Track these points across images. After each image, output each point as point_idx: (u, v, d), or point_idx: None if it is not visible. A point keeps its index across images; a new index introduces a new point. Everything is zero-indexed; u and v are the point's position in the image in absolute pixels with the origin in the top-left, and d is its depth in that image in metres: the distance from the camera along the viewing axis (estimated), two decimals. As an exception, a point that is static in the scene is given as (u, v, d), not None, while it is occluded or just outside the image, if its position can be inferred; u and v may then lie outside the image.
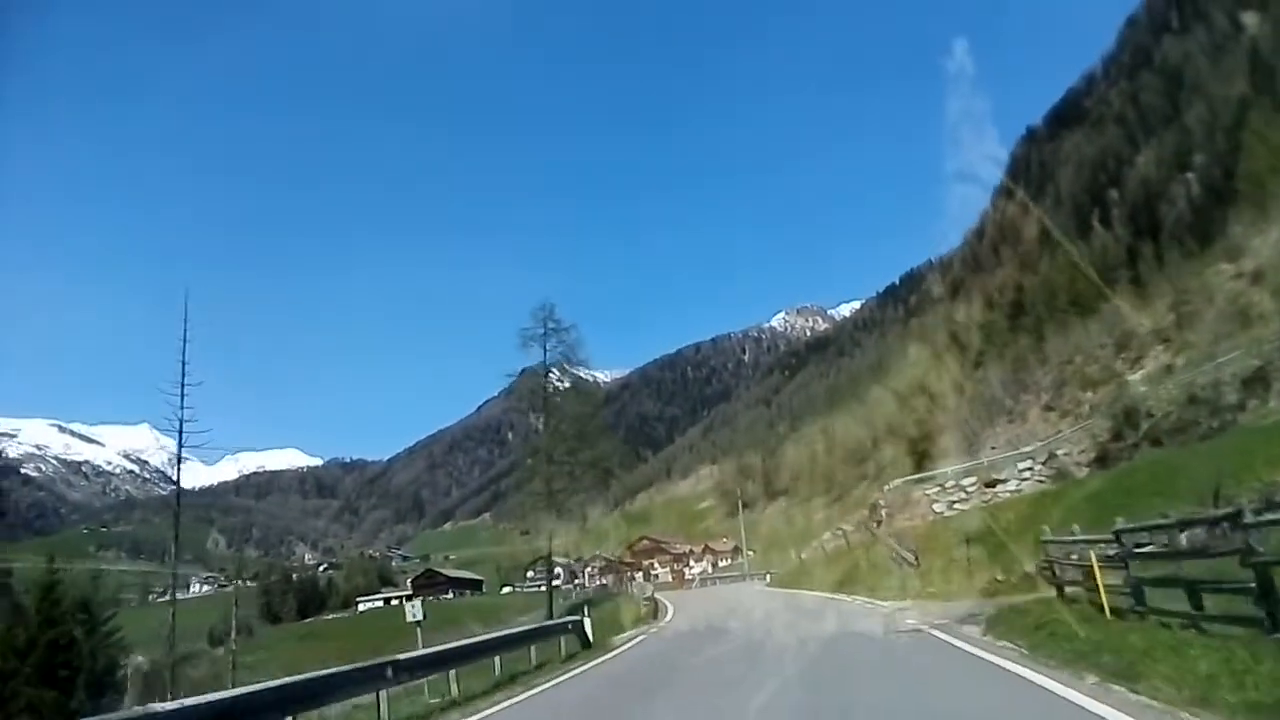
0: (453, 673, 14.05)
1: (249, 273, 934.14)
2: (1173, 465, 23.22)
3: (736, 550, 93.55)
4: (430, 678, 13.96)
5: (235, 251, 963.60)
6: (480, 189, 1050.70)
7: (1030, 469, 30.41)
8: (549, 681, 14.53)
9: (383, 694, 10.85)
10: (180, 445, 33.62)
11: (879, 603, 22.98)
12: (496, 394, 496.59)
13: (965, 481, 28.83)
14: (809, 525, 68.08)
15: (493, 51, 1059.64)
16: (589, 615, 22.07)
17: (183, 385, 30.54)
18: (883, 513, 33.17)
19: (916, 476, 33.51)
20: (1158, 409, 29.80)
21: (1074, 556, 12.87)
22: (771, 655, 13.34)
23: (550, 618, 34.93)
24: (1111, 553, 10.71)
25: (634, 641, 21.83)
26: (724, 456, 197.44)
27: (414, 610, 18.98)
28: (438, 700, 13.43)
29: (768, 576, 60.28)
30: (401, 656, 12.18)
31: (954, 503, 28.97)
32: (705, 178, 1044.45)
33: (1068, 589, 13.15)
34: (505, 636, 17.10)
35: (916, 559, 23.48)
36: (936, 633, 13.67)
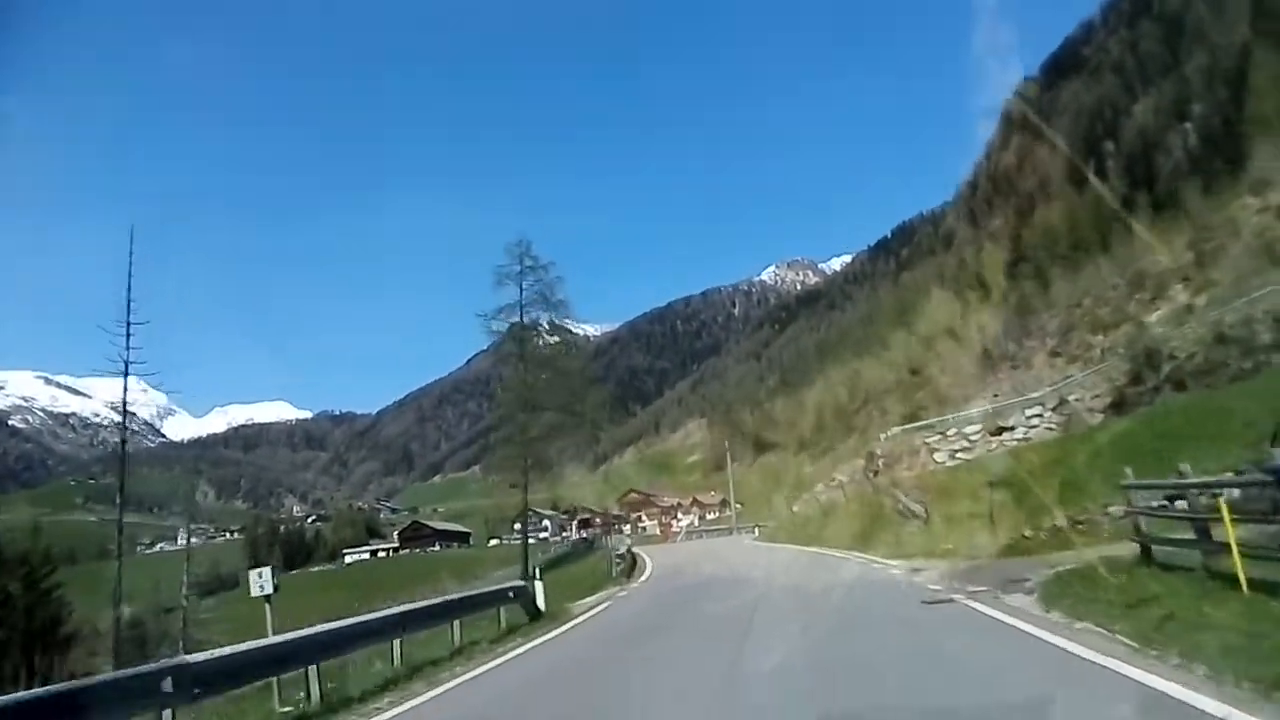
0: (313, 670, 9.62)
1: (238, 222, 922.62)
2: (1212, 407, 20.78)
3: (724, 504, 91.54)
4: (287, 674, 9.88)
5: (223, 198, 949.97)
6: (470, 136, 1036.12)
7: (1039, 415, 28.07)
8: (456, 679, 10.20)
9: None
10: (125, 387, 31.34)
11: (887, 562, 20.06)
12: (486, 347, 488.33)
13: (969, 429, 26.43)
14: (799, 479, 65.86)
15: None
16: (540, 578, 18.47)
17: (128, 324, 28.54)
18: (880, 462, 30.40)
19: (916, 425, 30.96)
20: (1181, 350, 27.41)
21: (1179, 505, 9.94)
22: (759, 641, 10.12)
23: (526, 575, 32.90)
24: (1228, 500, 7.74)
25: (596, 610, 18.31)
26: (713, 410, 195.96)
27: (261, 581, 13.23)
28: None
29: (756, 530, 57.89)
30: (218, 653, 8.50)
31: (956, 451, 26.54)
32: (695, 129, 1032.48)
33: (1155, 548, 10.16)
34: (419, 610, 12.96)
35: (926, 511, 20.78)
36: (976, 605, 10.69)
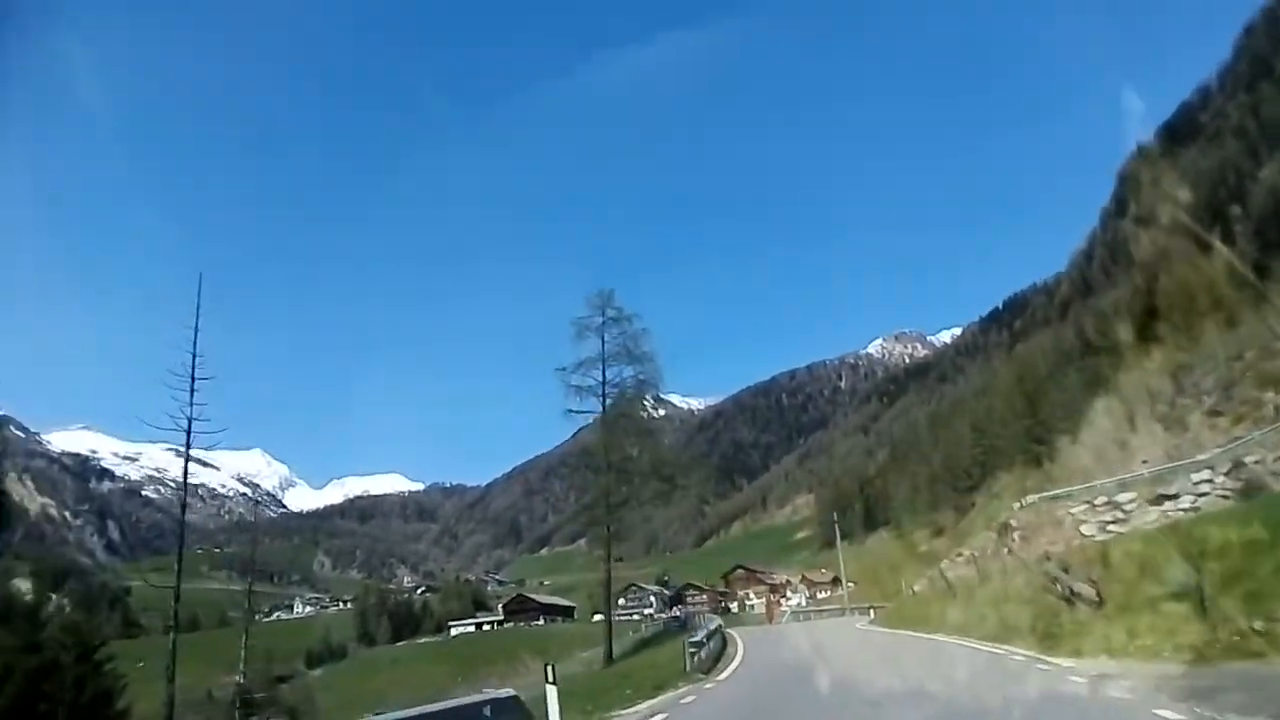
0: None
1: (358, 306, 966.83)
2: None
3: (835, 581, 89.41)
4: None
5: (340, 285, 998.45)
6: (573, 213, 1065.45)
7: (1209, 481, 25.58)
8: None
9: None
10: (189, 444, 29.53)
11: (1054, 660, 15.19)
12: (591, 420, 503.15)
13: (1122, 497, 24.12)
14: (916, 555, 64.16)
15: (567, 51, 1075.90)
16: (554, 681, 13.66)
17: (193, 379, 27.19)
18: (1015, 535, 27.34)
19: (1056, 492, 28.63)
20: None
21: None
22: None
23: (609, 658, 32.54)
24: None
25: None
26: (820, 485, 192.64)
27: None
28: None
29: (871, 613, 52.82)
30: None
31: (1108, 523, 23.79)
32: (797, 202, 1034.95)
33: None
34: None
35: (1100, 594, 16.25)
36: None
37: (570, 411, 34.30)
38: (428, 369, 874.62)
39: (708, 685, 18.46)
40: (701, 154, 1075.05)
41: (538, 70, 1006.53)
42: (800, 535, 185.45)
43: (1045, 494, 28.79)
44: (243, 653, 33.24)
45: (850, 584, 74.79)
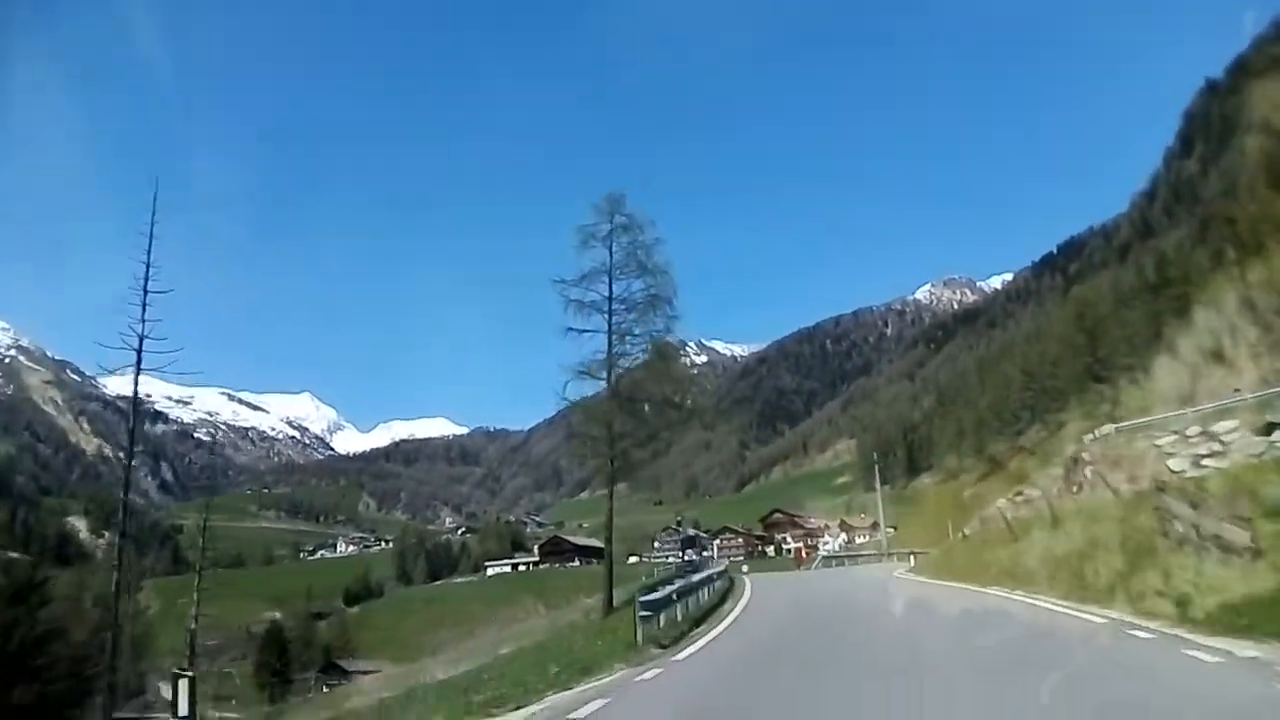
0: None
1: (409, 249, 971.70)
2: None
3: (875, 527, 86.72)
4: None
5: (384, 229, 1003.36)
6: (618, 152, 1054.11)
7: None
8: None
9: None
10: (139, 363, 25.80)
11: (1186, 635, 9.94)
12: (633, 367, 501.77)
13: (1220, 426, 19.47)
14: (957, 502, 60.99)
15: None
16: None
17: (145, 293, 25.24)
18: (1087, 471, 22.35)
19: (1137, 421, 23.53)
20: None
21: None
22: None
23: (609, 606, 27.00)
24: None
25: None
26: (863, 431, 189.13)
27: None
28: None
29: (912, 558, 45.47)
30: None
31: (1202, 457, 19.25)
32: (845, 144, 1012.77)
33: None
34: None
35: (1255, 540, 10.92)
36: None
37: (571, 330, 29.59)
38: (474, 314, 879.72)
39: (647, 675, 11.26)
40: (750, 93, 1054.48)
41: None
42: (840, 480, 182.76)
43: (1124, 424, 23.96)
44: (195, 595, 31.21)
45: (889, 529, 71.95)
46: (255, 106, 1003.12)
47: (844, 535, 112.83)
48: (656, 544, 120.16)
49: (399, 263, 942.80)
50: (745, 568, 59.31)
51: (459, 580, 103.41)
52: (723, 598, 25.54)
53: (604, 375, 29.61)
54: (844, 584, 33.92)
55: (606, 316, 29.27)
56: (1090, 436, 25.25)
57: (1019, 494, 29.31)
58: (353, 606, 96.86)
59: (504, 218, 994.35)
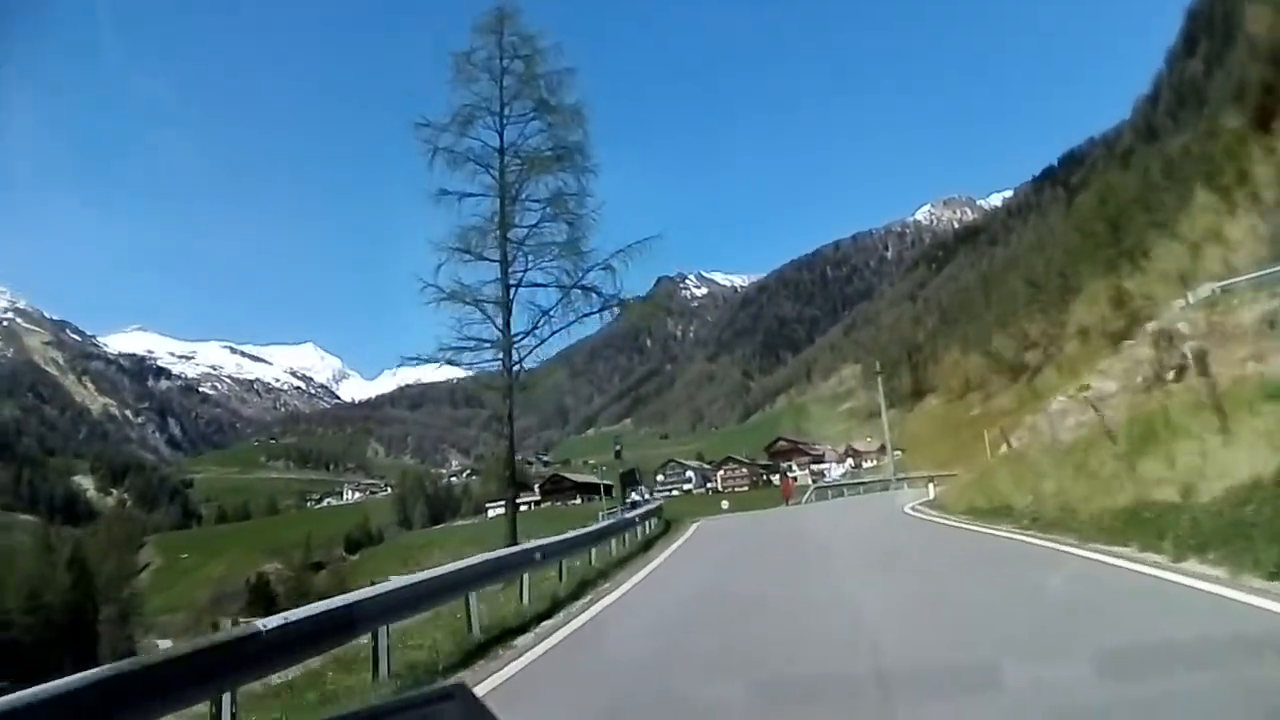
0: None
1: (405, 210, 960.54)
2: None
3: (883, 450, 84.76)
4: None
5: (359, 182, 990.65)
6: (614, 77, 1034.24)
7: None
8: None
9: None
10: None
11: None
12: (634, 301, 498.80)
13: None
14: (967, 420, 59.04)
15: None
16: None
17: None
18: (1186, 350, 15.51)
19: (1251, 277, 17.48)
20: None
21: None
22: None
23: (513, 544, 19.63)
24: None
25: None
26: (866, 355, 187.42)
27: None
28: None
29: (930, 486, 34.40)
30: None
31: None
32: (836, 63, 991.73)
33: None
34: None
35: None
36: None
37: (445, 194, 20.62)
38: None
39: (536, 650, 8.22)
40: (742, 21, 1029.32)
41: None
42: (846, 406, 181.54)
43: (1232, 281, 18.23)
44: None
45: (897, 451, 69.76)
46: (245, 55, 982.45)
47: (850, 461, 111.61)
48: (661, 478, 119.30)
49: (393, 205, 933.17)
50: (725, 504, 52.27)
51: (459, 523, 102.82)
52: (649, 546, 20.65)
53: (494, 254, 20.86)
54: (845, 526, 23.09)
55: (495, 172, 20.80)
56: (1183, 302, 19.66)
57: (1084, 389, 19.62)
58: (354, 554, 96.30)
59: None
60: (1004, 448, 24.44)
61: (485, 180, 21.05)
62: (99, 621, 55.18)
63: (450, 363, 21.78)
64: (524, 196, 21.37)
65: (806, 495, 54.06)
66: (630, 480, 47.88)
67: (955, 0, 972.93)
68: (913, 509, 25.00)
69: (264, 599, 61.84)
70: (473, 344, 21.26)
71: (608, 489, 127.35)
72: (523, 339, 21.52)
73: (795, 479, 79.45)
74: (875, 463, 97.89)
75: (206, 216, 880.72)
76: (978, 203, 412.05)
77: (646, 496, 40.58)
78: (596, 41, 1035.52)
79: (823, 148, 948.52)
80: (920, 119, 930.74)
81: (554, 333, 22.06)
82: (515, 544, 16.21)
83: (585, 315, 21.85)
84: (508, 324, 21.22)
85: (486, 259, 21.06)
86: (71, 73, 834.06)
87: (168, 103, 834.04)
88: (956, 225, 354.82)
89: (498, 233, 20.88)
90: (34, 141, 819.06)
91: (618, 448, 51.08)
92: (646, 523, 25.37)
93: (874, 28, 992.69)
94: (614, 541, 18.79)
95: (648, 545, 21.02)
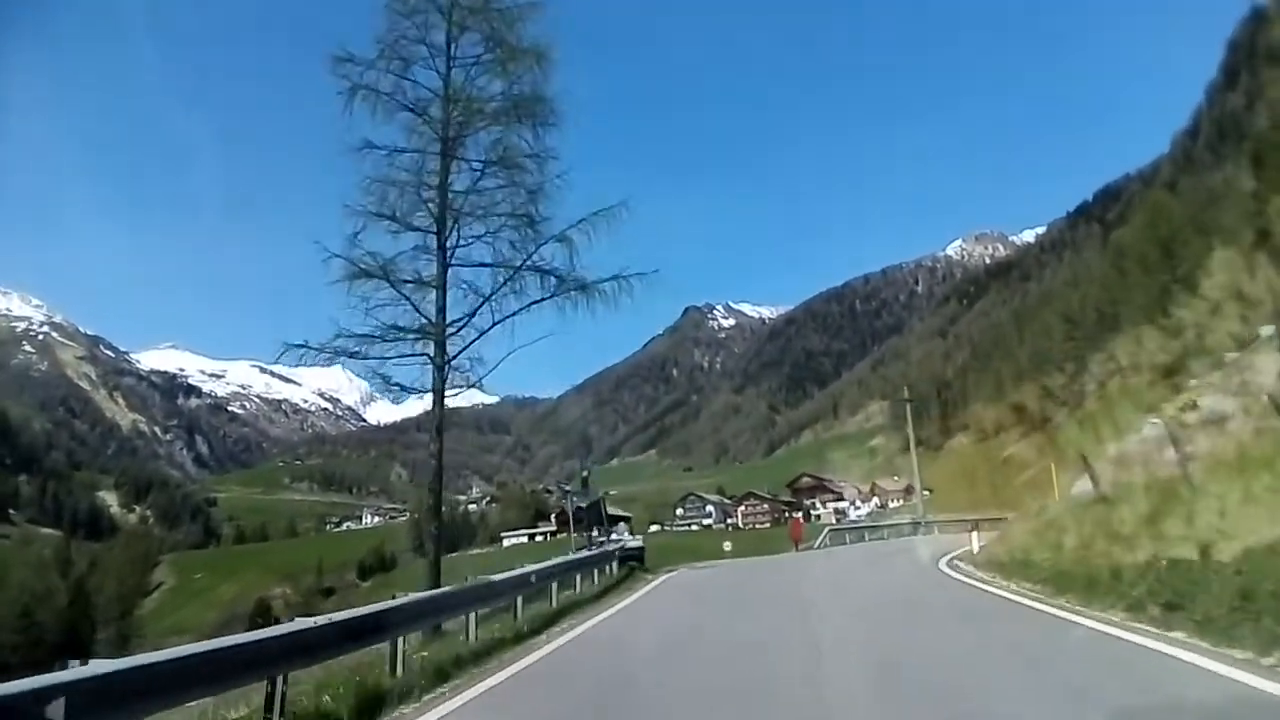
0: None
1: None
2: None
3: (909, 490, 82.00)
4: None
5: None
6: (634, 110, 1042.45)
7: None
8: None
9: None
10: None
11: None
12: (661, 331, 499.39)
13: None
14: (999, 460, 56.48)
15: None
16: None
17: None
18: None
19: None
20: None
21: None
22: None
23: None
24: None
25: None
26: (895, 391, 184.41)
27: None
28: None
29: (975, 533, 24.92)
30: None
31: None
32: (869, 97, 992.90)
33: None
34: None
35: None
36: None
37: (370, 147, 15.99)
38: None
39: None
40: (772, 53, 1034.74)
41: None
42: (872, 443, 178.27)
43: None
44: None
45: (925, 491, 67.21)
46: (278, 76, 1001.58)
47: (875, 500, 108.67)
48: (680, 511, 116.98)
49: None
50: (727, 546, 44.62)
51: (473, 552, 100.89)
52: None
53: (425, 221, 16.33)
54: (835, 596, 16.33)
55: (436, 123, 15.99)
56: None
57: (1188, 407, 16.32)
58: (366, 580, 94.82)
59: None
60: (1085, 486, 17.11)
61: (425, 135, 16.64)
62: (94, 643, 53.84)
63: (353, 356, 16.45)
64: (469, 156, 16.98)
65: (821, 538, 46.90)
66: (595, 514, 38.74)
67: (992, 36, 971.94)
68: (952, 565, 19.31)
69: (267, 625, 60.04)
70: (391, 333, 16.32)
71: (625, 520, 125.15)
72: (457, 330, 16.81)
73: (803, 520, 74.54)
74: (901, 503, 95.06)
75: (241, 236, 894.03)
76: (1010, 238, 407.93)
77: (625, 536, 32.23)
78: (632, 70, 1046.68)
79: (854, 181, 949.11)
80: (953, 153, 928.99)
81: (497, 322, 17.04)
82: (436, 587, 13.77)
83: (537, 301, 17.17)
84: (441, 310, 16.50)
85: (417, 228, 16.62)
86: (109, 96, 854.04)
87: (203, 124, 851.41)
88: (988, 261, 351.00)
89: (436, 197, 16.52)
90: (74, 160, 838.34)
91: (584, 474, 44.47)
92: (592, 571, 19.61)
93: (907, 62, 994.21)
94: (527, 596, 13.94)
95: (554, 618, 13.47)
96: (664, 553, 33.37)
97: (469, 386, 17.42)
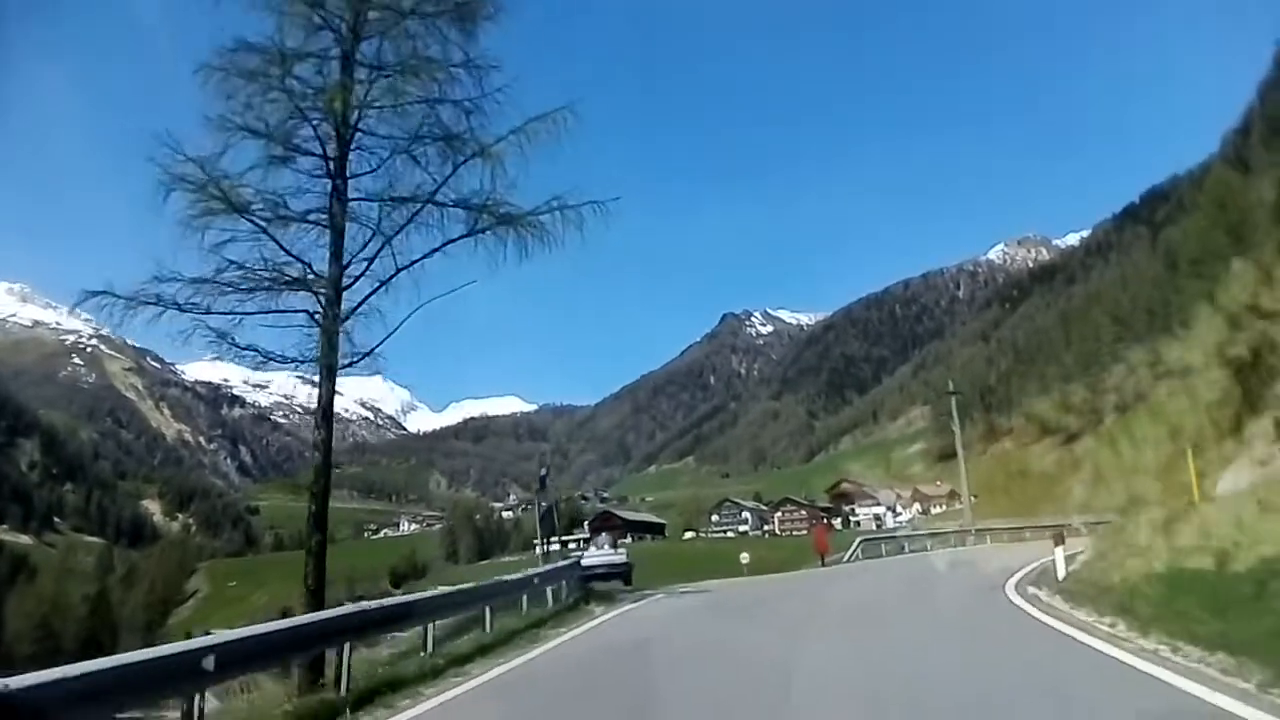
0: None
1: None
2: None
3: (953, 495, 79.28)
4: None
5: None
6: (677, 120, 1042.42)
7: None
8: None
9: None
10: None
11: None
12: (699, 339, 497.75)
13: None
14: (1046, 464, 54.04)
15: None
16: None
17: None
18: None
19: None
20: None
21: None
22: None
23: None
24: None
25: None
26: (936, 396, 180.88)
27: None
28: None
29: (1061, 553, 15.46)
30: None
31: None
32: (911, 101, 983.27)
33: None
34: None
35: None
36: None
37: (247, 47, 11.83)
38: (543, 291, 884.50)
39: None
40: (812, 57, 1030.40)
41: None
42: (914, 448, 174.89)
43: None
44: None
45: (971, 496, 64.62)
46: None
47: (917, 506, 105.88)
48: (716, 517, 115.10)
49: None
50: (745, 558, 36.11)
51: (505, 559, 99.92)
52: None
53: (314, 145, 12.54)
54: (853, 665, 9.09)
55: (335, 20, 12.30)
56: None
57: None
58: (398, 586, 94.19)
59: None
60: (1237, 480, 13.53)
61: (320, 34, 12.44)
62: (111, 651, 53.39)
63: (188, 310, 11.83)
64: (376, 60, 12.83)
65: (852, 550, 39.92)
66: (548, 524, 31.81)
67: (1030, 43, 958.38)
68: (1031, 599, 13.38)
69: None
70: (265, 280, 12.23)
71: (659, 527, 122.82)
72: (353, 281, 12.79)
73: (837, 526, 69.99)
74: (944, 508, 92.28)
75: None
76: (1053, 242, 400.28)
77: (604, 550, 23.80)
78: (673, 83, 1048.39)
79: (893, 187, 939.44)
80: (994, 157, 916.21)
81: (404, 267, 12.97)
82: (318, 608, 11.12)
83: (453, 240, 13.21)
84: (337, 252, 12.44)
85: (303, 151, 12.48)
86: (147, 121, 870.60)
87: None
88: (1031, 264, 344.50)
89: (328, 113, 12.25)
90: (111, 177, 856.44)
91: (543, 472, 35.79)
92: (521, 599, 16.04)
93: (948, 69, 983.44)
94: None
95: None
96: (669, 564, 29.27)
97: (363, 356, 13.06)
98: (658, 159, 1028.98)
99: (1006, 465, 66.31)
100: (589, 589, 19.73)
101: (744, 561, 35.34)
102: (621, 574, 21.91)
